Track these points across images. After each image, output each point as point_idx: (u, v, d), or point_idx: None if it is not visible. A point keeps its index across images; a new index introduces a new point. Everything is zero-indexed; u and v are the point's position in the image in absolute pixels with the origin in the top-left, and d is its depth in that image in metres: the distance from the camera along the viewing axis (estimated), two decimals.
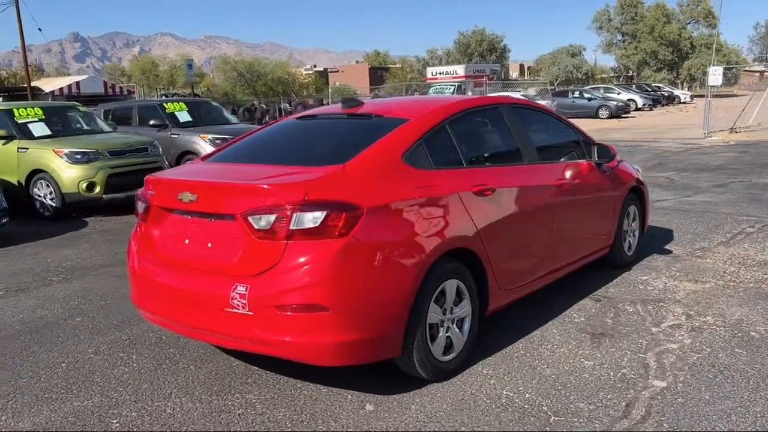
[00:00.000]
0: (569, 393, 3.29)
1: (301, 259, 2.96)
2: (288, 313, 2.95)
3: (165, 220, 3.51)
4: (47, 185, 8.93)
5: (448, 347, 3.50)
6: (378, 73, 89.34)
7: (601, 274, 5.26)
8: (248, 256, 3.07)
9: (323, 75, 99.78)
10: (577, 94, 31.33)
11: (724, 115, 19.00)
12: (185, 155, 11.43)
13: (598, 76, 70.76)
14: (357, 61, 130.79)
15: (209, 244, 3.26)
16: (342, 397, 3.35)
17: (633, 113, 32.57)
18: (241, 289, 3.02)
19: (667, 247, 6.15)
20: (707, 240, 6.36)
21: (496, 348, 3.88)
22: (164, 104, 12.28)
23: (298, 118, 4.36)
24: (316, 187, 3.05)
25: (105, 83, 39.30)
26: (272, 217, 2.98)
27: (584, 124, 21.78)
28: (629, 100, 33.26)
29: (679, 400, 3.17)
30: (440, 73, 39.15)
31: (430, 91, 35.27)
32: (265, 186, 3.07)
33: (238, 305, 3.02)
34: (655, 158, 13.98)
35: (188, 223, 3.38)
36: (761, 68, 65.57)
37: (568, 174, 4.52)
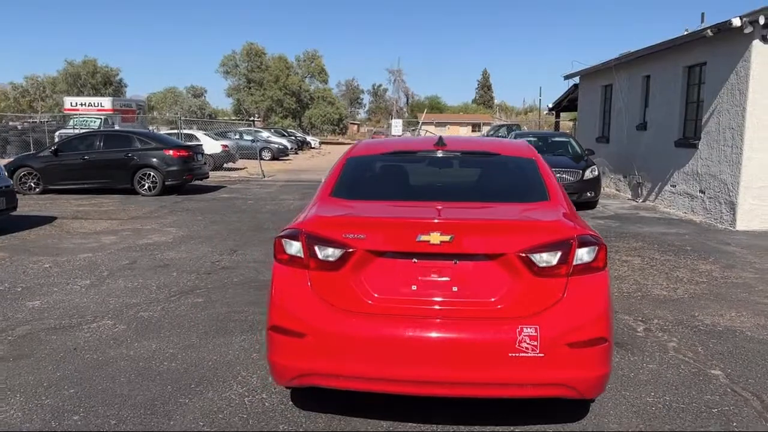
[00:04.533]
0: None
1: (583, 294, 2.97)
2: (577, 350, 2.91)
3: (372, 265, 3.00)
4: None
5: None
6: None
7: None
8: (525, 295, 2.93)
9: None
10: (238, 136, 31.98)
11: None
12: None
13: (221, 118, 73.05)
14: None
15: (454, 288, 2.95)
16: None
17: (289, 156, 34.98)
18: (529, 330, 2.85)
19: None
20: None
21: None
22: None
23: (386, 154, 4.10)
24: (577, 224, 3.10)
25: None
26: (558, 254, 2.93)
27: (254, 165, 22.75)
28: (280, 143, 35.27)
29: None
30: (82, 105, 35.29)
31: (71, 122, 31.56)
32: (551, 223, 3.03)
33: (527, 348, 2.84)
34: None
35: (415, 268, 2.98)
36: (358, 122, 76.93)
37: None
